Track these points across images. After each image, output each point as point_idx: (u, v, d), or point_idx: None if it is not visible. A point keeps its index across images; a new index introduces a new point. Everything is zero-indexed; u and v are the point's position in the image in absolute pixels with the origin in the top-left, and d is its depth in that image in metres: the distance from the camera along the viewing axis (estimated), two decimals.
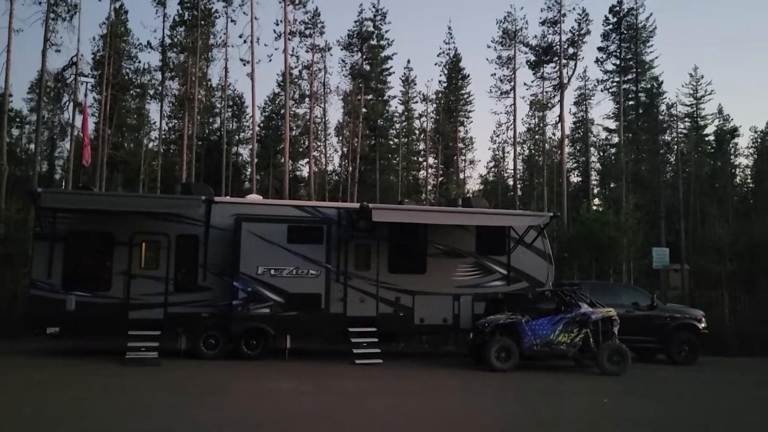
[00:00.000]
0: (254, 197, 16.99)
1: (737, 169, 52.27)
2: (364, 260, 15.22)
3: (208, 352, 14.12)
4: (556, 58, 37.16)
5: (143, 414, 8.49)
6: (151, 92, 36.51)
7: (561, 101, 35.60)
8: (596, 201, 42.43)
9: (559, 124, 35.98)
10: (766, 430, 8.77)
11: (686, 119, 49.69)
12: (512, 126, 40.77)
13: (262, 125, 44.26)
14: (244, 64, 32.54)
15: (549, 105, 40.02)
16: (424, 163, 46.97)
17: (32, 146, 35.70)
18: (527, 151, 49.24)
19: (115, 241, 14.15)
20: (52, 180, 41.20)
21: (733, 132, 50.27)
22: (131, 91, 37.10)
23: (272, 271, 14.26)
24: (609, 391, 11.51)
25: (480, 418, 8.88)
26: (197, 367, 13.08)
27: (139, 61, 37.36)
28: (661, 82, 46.60)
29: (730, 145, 50.58)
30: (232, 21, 34.80)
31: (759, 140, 53.27)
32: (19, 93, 52.01)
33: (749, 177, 53.28)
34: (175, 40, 34.89)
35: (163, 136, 38.59)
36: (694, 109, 50.00)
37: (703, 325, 16.27)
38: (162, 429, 7.67)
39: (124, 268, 14.05)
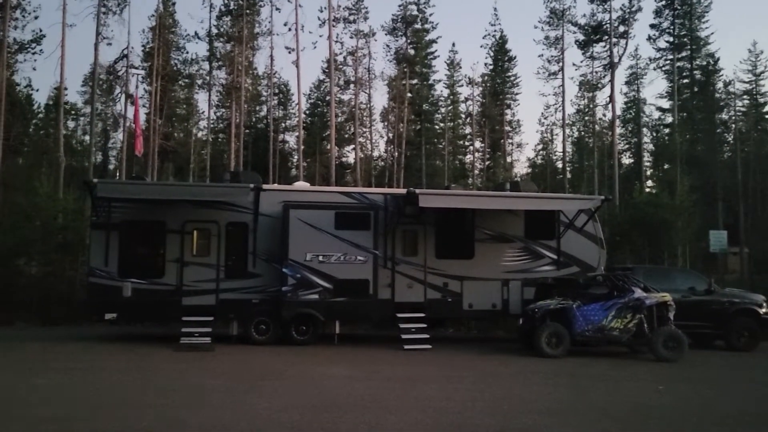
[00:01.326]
0: (301, 184, 17.14)
1: None
2: (411, 246, 15.20)
3: (259, 338, 14.37)
4: (606, 37, 36.08)
5: (199, 399, 8.70)
6: (199, 82, 37.14)
7: (612, 81, 34.58)
8: (649, 183, 41.31)
9: (610, 105, 34.97)
10: None
11: (744, 97, 47.72)
12: (561, 108, 39.92)
13: (307, 112, 44.60)
14: (290, 52, 32.72)
15: (599, 85, 39.00)
16: (471, 147, 46.54)
17: (87, 138, 36.90)
18: (576, 133, 48.18)
19: (167, 229, 14.50)
20: (106, 170, 42.54)
21: None
22: (180, 82, 37.82)
23: (320, 258, 14.37)
24: (664, 377, 11.22)
25: (531, 405, 8.76)
26: (249, 352, 13.34)
27: (187, 52, 38.21)
28: (718, 59, 44.84)
29: None
30: (277, 9, 35.08)
31: None
32: (74, 86, 53.83)
33: None
34: (222, 29, 35.31)
35: (212, 125, 39.26)
36: (753, 86, 47.98)
37: (764, 310, 15.64)
38: (218, 414, 7.82)
39: (177, 255, 14.39)
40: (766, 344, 15.70)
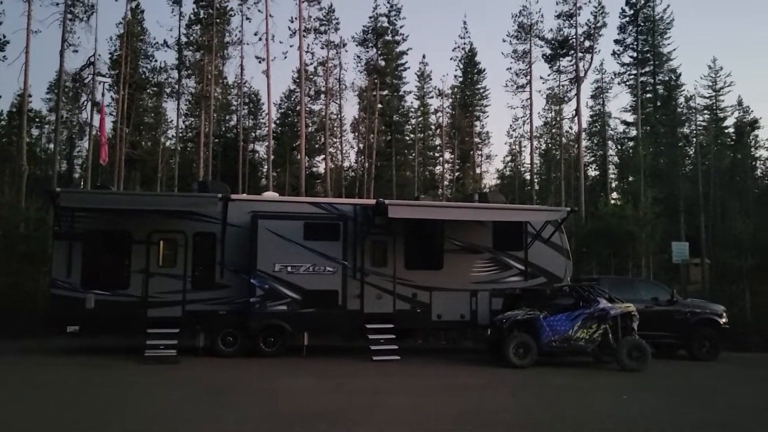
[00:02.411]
0: (270, 194, 17.04)
1: (757, 162, 51.46)
2: (380, 257, 15.21)
3: (226, 350, 14.19)
4: (572, 52, 36.81)
5: (164, 413, 8.55)
6: (168, 90, 36.70)
7: (577, 95, 35.27)
8: (614, 195, 42.06)
9: (576, 118, 35.63)
10: None
11: (705, 111, 49.00)
12: (529, 120, 40.48)
13: (278, 122, 44.39)
14: (260, 62, 32.63)
15: (565, 99, 39.69)
16: (441, 159, 46.83)
17: (51, 146, 36.08)
18: (544, 145, 48.88)
19: (133, 240, 14.27)
20: (71, 179, 41.65)
21: (753, 124, 49.49)
22: (148, 90, 37.37)
23: (289, 268, 14.29)
24: (628, 387, 11.40)
25: (500, 415, 8.81)
26: (216, 364, 13.16)
27: (156, 60, 37.61)
28: (679, 75, 45.98)
29: (750, 138, 49.82)
30: (248, 19, 34.89)
31: None
32: (38, 93, 52.63)
33: None
34: (191, 38, 35.04)
35: (180, 134, 38.81)
36: (713, 101, 49.30)
37: (724, 320, 16.05)
38: (184, 428, 7.70)
39: (143, 266, 14.15)
40: (726, 353, 16.09)
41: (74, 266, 13.89)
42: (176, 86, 35.42)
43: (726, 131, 49.55)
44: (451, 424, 8.25)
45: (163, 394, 9.91)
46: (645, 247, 22.94)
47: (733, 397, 11.02)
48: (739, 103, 50.31)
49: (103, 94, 27.77)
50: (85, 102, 31.03)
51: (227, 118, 44.33)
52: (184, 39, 34.66)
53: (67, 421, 8.00)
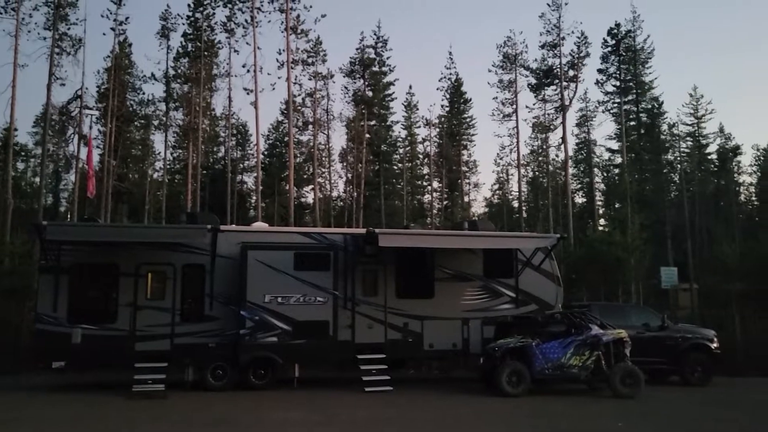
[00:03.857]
0: (260, 225, 16.99)
1: (741, 187, 52.22)
2: (371, 286, 15.13)
3: (216, 383, 13.96)
4: (557, 81, 37.38)
5: None
6: (156, 123, 36.82)
7: (563, 123, 35.75)
8: (602, 222, 42.37)
9: (563, 146, 36.03)
10: None
11: (688, 138, 49.80)
12: (516, 148, 40.90)
13: (266, 153, 44.52)
14: (248, 93, 32.82)
15: (551, 127, 40.19)
16: (429, 187, 47.06)
17: (37, 179, 35.92)
18: (531, 173, 49.31)
19: (120, 273, 14.11)
20: (57, 212, 41.32)
21: (735, 150, 50.32)
22: (135, 123, 37.40)
23: (279, 299, 14.18)
24: (623, 414, 11.30)
25: None
26: (205, 398, 12.93)
27: (143, 93, 37.84)
28: (662, 103, 46.89)
29: (733, 164, 50.61)
30: (235, 51, 35.22)
31: (762, 158, 53.29)
32: (24, 127, 52.64)
33: (754, 195, 53.18)
34: (179, 71, 35.26)
35: (168, 166, 38.81)
36: (696, 128, 50.13)
37: (715, 345, 16.02)
38: None
39: (130, 299, 13.99)
40: (717, 378, 16.03)
41: (60, 300, 13.68)
42: (164, 118, 35.52)
43: (709, 158, 50.29)
44: None
45: (149, 430, 9.69)
46: (634, 273, 23.04)
47: (730, 424, 10.95)
48: (721, 129, 51.30)
49: (90, 127, 27.76)
50: (72, 135, 30.99)
51: (215, 149, 44.44)
52: (171, 72, 34.89)
53: None
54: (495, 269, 15.78)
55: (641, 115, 47.62)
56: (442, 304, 15.33)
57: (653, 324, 16.01)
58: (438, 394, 13.92)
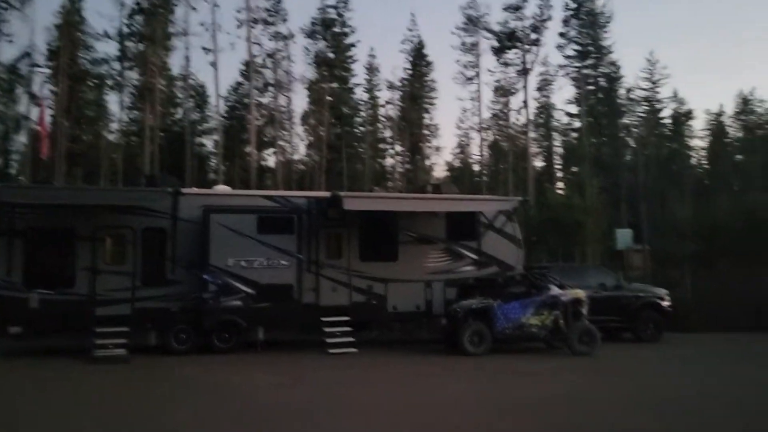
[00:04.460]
0: (222, 188, 16.73)
1: (693, 152, 53.53)
2: (335, 249, 15.15)
3: (179, 347, 13.89)
4: (519, 44, 37.39)
5: (115, 414, 8.29)
6: (110, 83, 35.49)
7: (525, 86, 35.91)
8: (560, 185, 43.11)
9: (524, 110, 36.28)
10: (735, 407, 9.01)
11: (644, 103, 50.59)
12: (478, 112, 40.99)
13: (225, 115, 43.54)
14: (207, 53, 31.89)
15: (512, 91, 40.32)
16: (391, 151, 46.92)
17: None
18: (492, 137, 49.57)
19: (78, 236, 13.79)
20: (7, 175, 39.89)
21: (688, 115, 51.42)
22: (88, 82, 36.02)
23: (243, 263, 14.09)
24: (580, 371, 11.72)
25: (459, 403, 8.94)
26: (169, 362, 12.89)
27: (96, 51, 36.25)
28: (619, 67, 47.41)
29: (686, 128, 51.75)
30: (193, 8, 34.02)
31: (713, 123, 54.62)
32: None
33: (704, 159, 54.59)
34: (133, 29, 33.95)
35: (124, 128, 37.63)
36: (651, 93, 50.94)
37: (667, 303, 16.66)
38: (137, 429, 7.49)
39: (89, 263, 13.70)
40: (669, 335, 16.70)
41: (15, 264, 13.34)
42: (119, 78, 34.32)
43: (663, 122, 51.30)
44: (414, 413, 8.31)
45: (116, 395, 9.63)
46: (591, 235, 23.60)
47: (676, 375, 11.49)
48: (675, 94, 52.19)
49: (41, 86, 26.63)
50: (23, 94, 29.75)
51: (173, 111, 43.24)
52: (125, 29, 33.57)
53: (10, 427, 7.67)
54: (458, 232, 15.94)
55: (599, 79, 48.14)
56: (406, 267, 15.46)
57: (609, 284, 16.54)
58: (401, 355, 14.17)
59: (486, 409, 8.52)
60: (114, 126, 39.02)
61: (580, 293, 14.19)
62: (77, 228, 13.75)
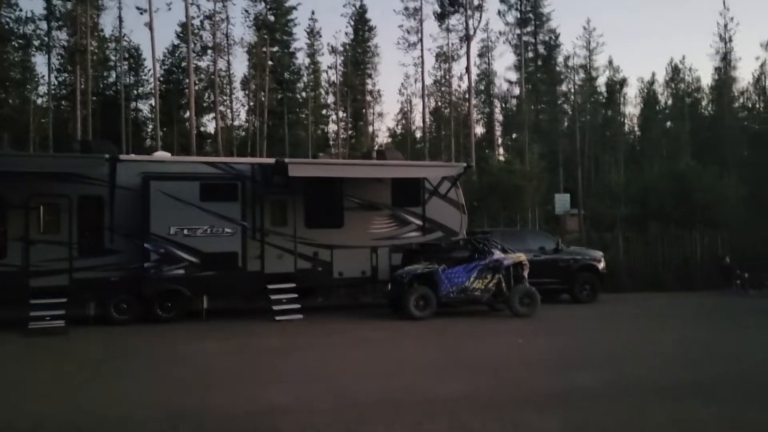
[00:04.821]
0: (162, 154, 16.22)
1: (626, 118, 55.21)
2: (280, 216, 15.03)
3: (119, 317, 13.60)
4: (462, 9, 37.40)
5: (58, 388, 8.08)
6: (37, 43, 33.63)
7: (468, 53, 36.08)
8: (500, 151, 43.88)
9: (466, 76, 36.51)
10: (666, 356, 9.55)
11: (580, 71, 51.71)
12: (420, 78, 40.98)
13: (162, 79, 42.05)
14: (141, 13, 30.56)
15: (455, 57, 40.45)
16: (334, 117, 46.48)
17: None
18: (434, 103, 49.77)
19: (8, 205, 13.19)
20: None
21: (622, 83, 52.86)
22: (13, 42, 34.04)
23: (185, 231, 13.82)
24: (522, 332, 12.13)
25: (407, 365, 9.12)
26: (109, 333, 12.62)
27: (21, 9, 34.28)
28: (558, 35, 48.22)
29: (620, 96, 53.24)
30: None
31: (645, 90, 56.34)
32: None
33: (636, 126, 56.40)
34: None
35: (53, 92, 35.85)
36: (587, 61, 52.05)
37: (602, 265, 17.37)
38: (83, 402, 7.34)
39: (21, 233, 13.16)
40: (603, 295, 17.45)
41: None
42: (46, 38, 32.55)
43: (598, 90, 52.58)
44: (360, 375, 8.44)
45: (54, 367, 9.37)
46: (531, 200, 24.20)
47: (612, 333, 12.06)
48: (610, 62, 53.43)
49: None
50: None
51: (105, 74, 41.42)
52: None
53: None
54: (402, 198, 16.05)
55: (539, 47, 48.87)
56: (351, 233, 15.50)
57: (548, 247, 17.07)
58: (348, 321, 14.31)
59: (434, 371, 8.72)
60: (43, 90, 37.17)
61: (522, 257, 14.60)
62: (7, 196, 13.14)
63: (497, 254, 14.44)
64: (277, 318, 13.94)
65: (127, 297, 13.72)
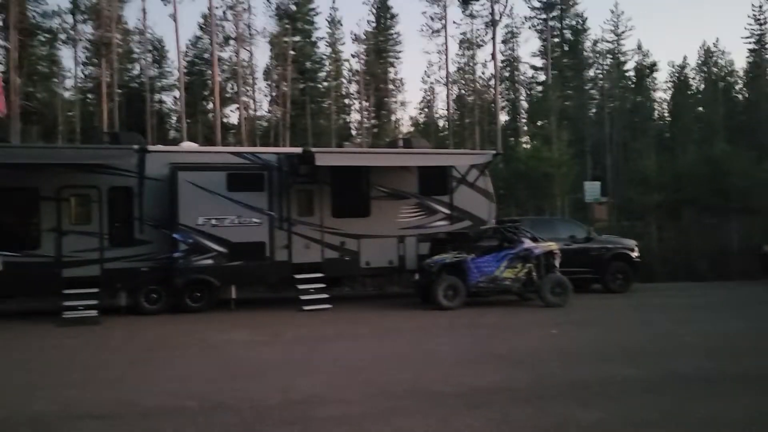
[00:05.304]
0: (189, 145, 16.27)
1: (656, 104, 54.20)
2: (307, 206, 14.94)
3: (150, 307, 13.68)
4: None
5: (94, 376, 8.10)
6: (63, 37, 33.95)
7: (494, 38, 35.58)
8: (525, 139, 43.33)
9: (492, 62, 36.06)
10: (710, 348, 9.29)
11: (608, 56, 50.81)
12: (444, 65, 40.62)
13: (185, 70, 42.27)
14: (166, 4, 30.64)
15: (481, 43, 39.98)
16: (358, 106, 46.33)
17: None
18: (457, 91, 49.34)
19: (41, 197, 13.30)
20: None
21: (652, 67, 51.85)
22: (40, 37, 34.41)
23: (213, 221, 13.81)
24: (555, 322, 11.88)
25: (439, 357, 8.97)
26: (141, 323, 12.70)
27: (47, 3, 34.61)
28: (585, 19, 47.41)
29: (649, 80, 52.24)
30: None
31: (676, 75, 55.25)
32: None
33: (666, 111, 55.35)
34: None
35: (80, 85, 36.23)
36: (615, 45, 51.12)
37: (636, 254, 16.97)
38: (119, 391, 7.34)
39: (54, 224, 13.27)
40: (636, 286, 17.09)
41: None
42: (72, 32, 32.83)
43: (627, 75, 51.65)
44: (392, 366, 8.33)
45: (91, 356, 9.44)
46: (560, 188, 23.83)
47: (650, 324, 11.77)
48: (639, 47, 52.56)
49: None
50: None
51: (129, 66, 41.77)
52: None
53: None
54: (430, 187, 15.84)
55: (565, 31, 48.11)
56: (378, 223, 15.35)
57: (579, 236, 16.74)
58: (376, 311, 14.21)
59: (468, 361, 8.58)
60: (69, 83, 37.57)
61: (553, 246, 14.33)
62: (40, 188, 13.25)
63: (527, 243, 14.19)
64: (305, 308, 13.88)
65: (157, 287, 13.78)
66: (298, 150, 14.97)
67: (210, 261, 13.82)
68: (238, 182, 14.09)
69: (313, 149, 13.93)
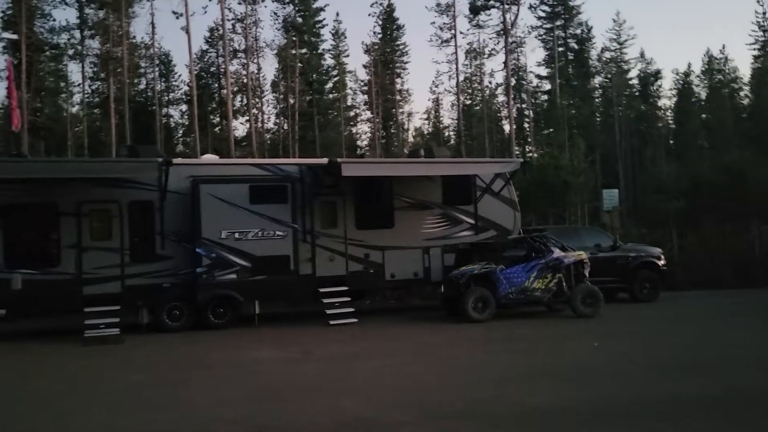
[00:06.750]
0: (210, 157, 16.00)
1: (661, 111, 53.89)
2: (330, 218, 14.63)
3: (172, 324, 13.31)
4: (498, 3, 36.75)
5: (125, 399, 7.71)
6: (71, 52, 33.80)
7: (505, 47, 35.37)
8: (530, 148, 43.10)
9: (504, 71, 35.87)
10: (751, 362, 8.94)
11: (612, 64, 50.65)
12: (454, 75, 40.45)
13: (191, 84, 42.11)
14: (177, 17, 30.47)
15: (491, 53, 39.81)
16: (368, 117, 46.09)
17: None
18: (465, 100, 49.15)
19: (60, 212, 13.00)
20: None
21: (656, 75, 51.66)
22: (47, 52, 34.27)
23: (236, 235, 13.51)
24: (593, 334, 11.52)
25: (482, 374, 8.61)
26: (164, 341, 12.35)
27: (54, 19, 34.50)
28: (590, 28, 47.33)
29: (654, 88, 52.01)
30: None
31: (680, 82, 54.99)
32: None
33: (670, 118, 55.01)
34: None
35: (87, 99, 36.04)
36: (618, 53, 50.96)
37: (662, 262, 16.67)
38: (153, 416, 6.98)
39: (73, 240, 12.96)
40: (664, 294, 16.75)
41: None
42: (79, 47, 32.68)
43: (630, 83, 51.42)
44: (438, 384, 7.99)
45: (119, 377, 9.06)
46: (580, 196, 23.53)
47: (690, 335, 11.44)
48: (642, 55, 52.29)
49: (4, 53, 24.97)
50: None
51: (136, 81, 41.62)
52: None
53: (4, 414, 7.09)
54: (454, 196, 15.54)
55: (569, 40, 48.01)
56: (403, 234, 15.04)
57: (605, 245, 16.43)
58: (404, 324, 13.88)
59: (514, 379, 8.20)
60: (77, 98, 37.42)
61: (583, 255, 14.02)
62: (59, 203, 12.95)
63: (557, 252, 13.88)
64: (332, 322, 13.53)
65: (179, 303, 13.44)
66: (321, 161, 14.70)
67: (233, 276, 13.51)
68: (260, 194, 13.80)
69: (339, 159, 13.64)
